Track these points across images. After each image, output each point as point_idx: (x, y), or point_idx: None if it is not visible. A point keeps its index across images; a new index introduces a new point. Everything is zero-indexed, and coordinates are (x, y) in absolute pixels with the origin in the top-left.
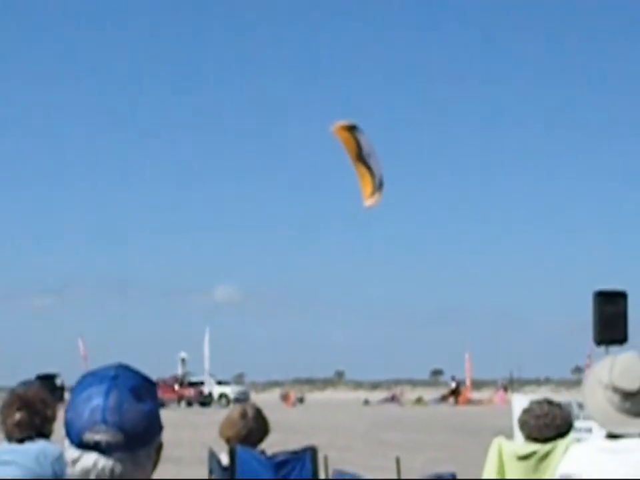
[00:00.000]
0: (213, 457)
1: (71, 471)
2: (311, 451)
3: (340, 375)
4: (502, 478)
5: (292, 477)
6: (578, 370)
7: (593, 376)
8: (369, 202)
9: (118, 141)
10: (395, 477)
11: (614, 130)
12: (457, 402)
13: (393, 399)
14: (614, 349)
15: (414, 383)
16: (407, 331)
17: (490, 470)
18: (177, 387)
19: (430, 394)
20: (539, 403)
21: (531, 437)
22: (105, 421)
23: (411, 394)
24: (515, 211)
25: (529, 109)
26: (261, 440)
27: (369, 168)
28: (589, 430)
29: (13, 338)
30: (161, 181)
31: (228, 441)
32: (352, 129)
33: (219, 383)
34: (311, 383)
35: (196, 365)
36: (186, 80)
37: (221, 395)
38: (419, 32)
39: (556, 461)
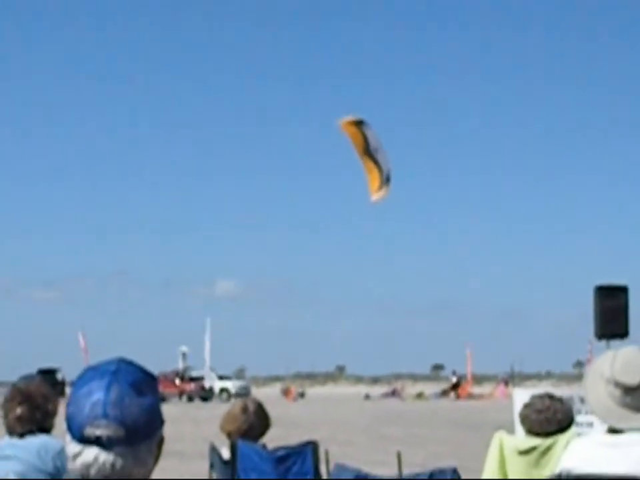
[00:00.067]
0: (214, 451)
1: (72, 466)
2: (312, 446)
3: (341, 369)
4: (503, 472)
5: (293, 472)
6: (579, 364)
7: (594, 370)
8: (375, 196)
9: (120, 136)
10: (396, 472)
11: (614, 127)
12: (457, 396)
13: (394, 393)
14: (615, 343)
15: (415, 378)
16: (407, 325)
17: (491, 464)
18: (177, 381)
19: (431, 388)
20: (540, 397)
21: (532, 432)
22: (105, 416)
23: (411, 388)
24: (516, 206)
25: (529, 106)
26: (262, 434)
27: (376, 162)
28: (591, 424)
29: (14, 332)
30: (161, 177)
31: (229, 435)
32: (359, 123)
33: (220, 377)
34: (312, 377)
35: (197, 360)
36: (187, 78)
37: (222, 390)
38: (420, 30)
39: (557, 456)
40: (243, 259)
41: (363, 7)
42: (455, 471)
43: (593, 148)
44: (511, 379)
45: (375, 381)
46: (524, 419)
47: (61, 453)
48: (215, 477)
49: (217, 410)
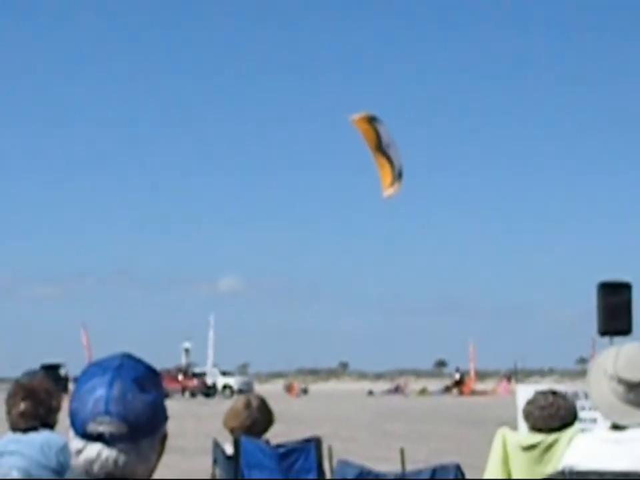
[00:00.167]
0: (217, 447)
1: (75, 462)
2: (315, 442)
3: (344, 365)
4: (506, 468)
5: (296, 468)
6: (582, 361)
7: (598, 367)
8: (388, 192)
9: (123, 135)
10: (399, 468)
11: (618, 124)
12: (461, 393)
13: (397, 389)
14: (618, 339)
15: (418, 374)
16: (410, 321)
17: (494, 460)
18: (180, 377)
19: (434, 385)
20: (543, 393)
21: (536, 428)
22: (108, 412)
23: (415, 385)
24: (518, 204)
25: (532, 104)
26: (265, 430)
27: (388, 158)
28: (594, 420)
29: (18, 328)
30: (164, 174)
31: (232, 431)
32: (372, 119)
33: (223, 373)
34: (315, 373)
35: (200, 356)
36: (189, 76)
37: (225, 386)
38: (422, 29)
39: (560, 452)
40: (246, 255)
41: (364, 5)
42: (457, 467)
43: (595, 146)
44: (514, 375)
45: (378, 377)
46: (527, 415)
47: (64, 448)
48: (218, 473)
49: (220, 406)
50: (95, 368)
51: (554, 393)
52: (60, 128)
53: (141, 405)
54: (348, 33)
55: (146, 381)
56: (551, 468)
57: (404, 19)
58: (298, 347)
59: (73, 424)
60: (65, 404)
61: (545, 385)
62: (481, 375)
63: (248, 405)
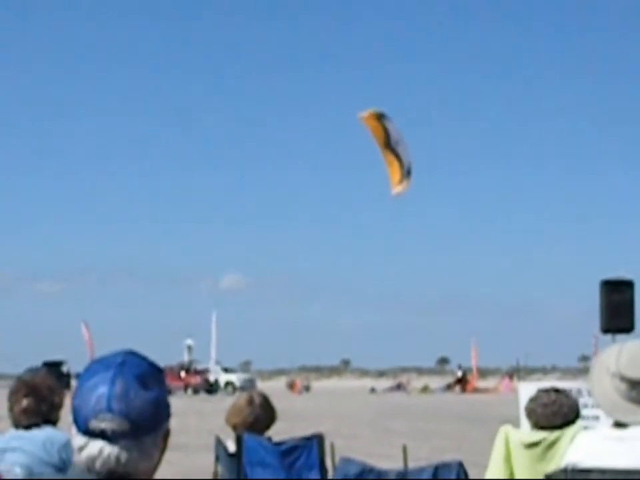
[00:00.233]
0: (219, 444)
1: (77, 458)
2: (318, 439)
3: (346, 363)
4: (509, 466)
5: (298, 465)
6: (584, 358)
7: (600, 364)
8: (396, 189)
9: (126, 131)
10: (401, 465)
11: (620, 121)
12: (463, 390)
13: (399, 387)
14: (620, 337)
15: (420, 371)
16: (413, 319)
17: (497, 458)
18: (183, 374)
19: (436, 382)
20: (546, 391)
21: (538, 425)
22: (110, 409)
23: (417, 382)
24: (521, 201)
25: (531, 105)
26: (267, 427)
27: (397, 156)
28: (597, 418)
29: (20, 325)
30: (167, 171)
31: (234, 428)
32: (380, 117)
33: (225, 370)
34: (317, 370)
35: (202, 353)
36: (193, 75)
37: (227, 383)
38: (423, 29)
39: (563, 449)
40: (248, 253)
41: (366, 4)
42: (460, 464)
43: (597, 144)
44: (516, 372)
45: (381, 374)
46: (530, 413)
47: (67, 445)
48: (220, 470)
49: (222, 403)
50: (98, 365)
51: (556, 390)
52: (61, 125)
53: (144, 402)
54: (349, 32)
55: (149, 377)
56: (553, 465)
57: (406, 18)
58: (300, 344)
59: (76, 421)
60: (68, 401)
61: (548, 382)
62: (483, 373)
63: (250, 402)
